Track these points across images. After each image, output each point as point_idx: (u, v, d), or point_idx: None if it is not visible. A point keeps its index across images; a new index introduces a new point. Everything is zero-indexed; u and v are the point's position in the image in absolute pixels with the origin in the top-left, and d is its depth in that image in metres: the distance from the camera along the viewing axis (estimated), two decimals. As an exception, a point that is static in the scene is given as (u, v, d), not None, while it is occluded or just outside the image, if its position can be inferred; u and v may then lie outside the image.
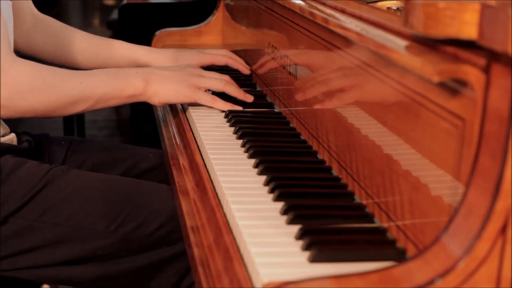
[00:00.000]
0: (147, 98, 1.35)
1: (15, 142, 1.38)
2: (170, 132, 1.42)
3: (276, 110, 1.47)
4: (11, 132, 1.38)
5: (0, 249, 1.23)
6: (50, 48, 1.63)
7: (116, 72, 1.35)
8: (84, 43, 1.64)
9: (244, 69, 1.71)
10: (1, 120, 1.36)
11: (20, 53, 1.58)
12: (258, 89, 1.64)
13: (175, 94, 1.36)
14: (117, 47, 1.66)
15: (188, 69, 1.42)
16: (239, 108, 1.43)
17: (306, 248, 0.85)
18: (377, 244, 0.89)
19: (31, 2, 1.59)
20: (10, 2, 1.31)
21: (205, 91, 1.41)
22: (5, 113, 1.22)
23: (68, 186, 1.26)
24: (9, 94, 1.19)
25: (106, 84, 1.30)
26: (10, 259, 1.24)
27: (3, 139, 1.34)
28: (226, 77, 1.45)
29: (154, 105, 1.39)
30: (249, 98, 1.46)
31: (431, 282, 0.69)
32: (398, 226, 0.89)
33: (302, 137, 1.30)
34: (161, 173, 1.49)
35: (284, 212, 0.96)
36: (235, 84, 1.45)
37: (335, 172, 1.13)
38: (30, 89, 1.21)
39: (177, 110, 1.49)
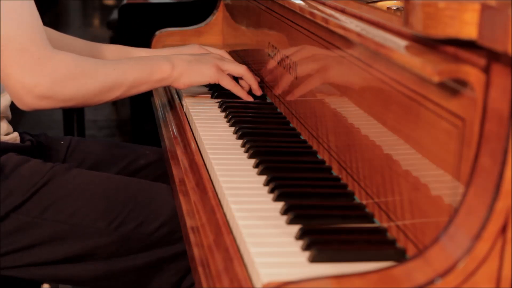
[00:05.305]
0: (173, 80, 1.39)
1: (18, 141, 1.39)
2: (170, 132, 1.42)
3: (276, 110, 1.48)
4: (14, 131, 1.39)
5: (0, 245, 1.23)
6: None
7: (143, 58, 1.40)
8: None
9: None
10: (5, 119, 1.36)
11: None
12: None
13: (200, 75, 1.41)
14: (113, 50, 1.65)
15: (210, 54, 1.49)
16: (251, 99, 1.50)
17: (306, 248, 0.85)
18: (377, 244, 0.89)
19: (51, 29, 1.56)
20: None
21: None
22: (48, 103, 1.23)
23: (70, 184, 1.27)
24: (50, 83, 1.21)
25: (136, 69, 1.34)
26: (10, 255, 1.25)
27: (7, 138, 1.35)
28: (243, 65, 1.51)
29: (178, 88, 1.44)
30: (259, 92, 1.52)
31: (431, 282, 0.69)
32: (398, 226, 0.89)
33: (302, 137, 1.30)
34: (159, 168, 1.50)
35: (284, 212, 0.96)
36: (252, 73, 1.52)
37: (335, 172, 1.13)
38: (70, 78, 1.23)
39: (177, 110, 1.49)
